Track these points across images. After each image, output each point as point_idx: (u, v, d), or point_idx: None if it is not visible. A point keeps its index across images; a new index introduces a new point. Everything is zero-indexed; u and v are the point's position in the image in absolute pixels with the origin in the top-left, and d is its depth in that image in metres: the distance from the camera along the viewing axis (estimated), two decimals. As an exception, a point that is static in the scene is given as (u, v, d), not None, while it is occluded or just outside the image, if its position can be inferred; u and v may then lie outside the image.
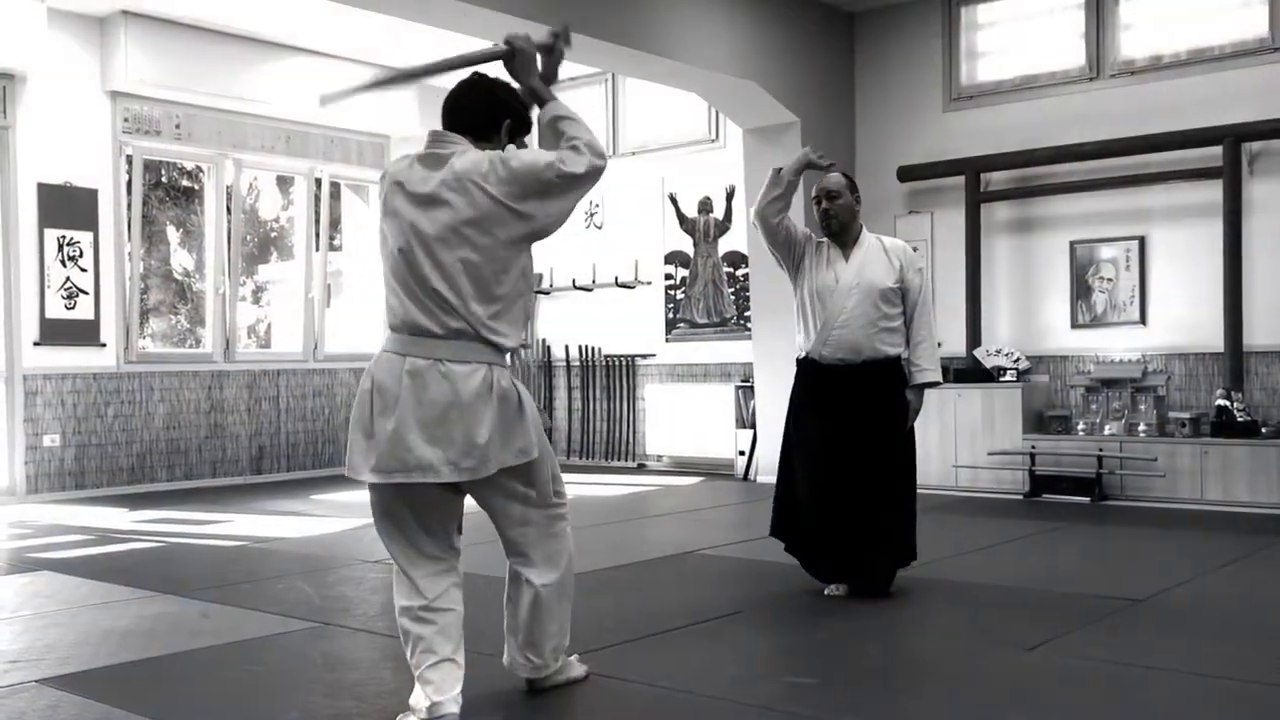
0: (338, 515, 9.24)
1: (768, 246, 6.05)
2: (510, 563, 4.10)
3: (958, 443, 10.30)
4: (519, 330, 3.90)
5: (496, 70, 3.98)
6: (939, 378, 5.82)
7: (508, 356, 3.91)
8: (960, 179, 10.78)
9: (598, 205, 13.11)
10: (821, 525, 5.74)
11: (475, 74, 4.03)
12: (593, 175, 3.85)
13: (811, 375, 5.86)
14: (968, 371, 10.42)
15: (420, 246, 3.79)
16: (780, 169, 6.05)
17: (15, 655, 4.86)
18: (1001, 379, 10.21)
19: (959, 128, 10.99)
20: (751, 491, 10.59)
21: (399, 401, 3.73)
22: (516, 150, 3.86)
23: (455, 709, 3.81)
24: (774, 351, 11.03)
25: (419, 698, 3.83)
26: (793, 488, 5.91)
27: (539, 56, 4.03)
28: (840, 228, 6.05)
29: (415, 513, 3.86)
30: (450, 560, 3.95)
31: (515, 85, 4.02)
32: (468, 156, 3.80)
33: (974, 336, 10.63)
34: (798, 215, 7.72)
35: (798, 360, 5.96)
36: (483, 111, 3.95)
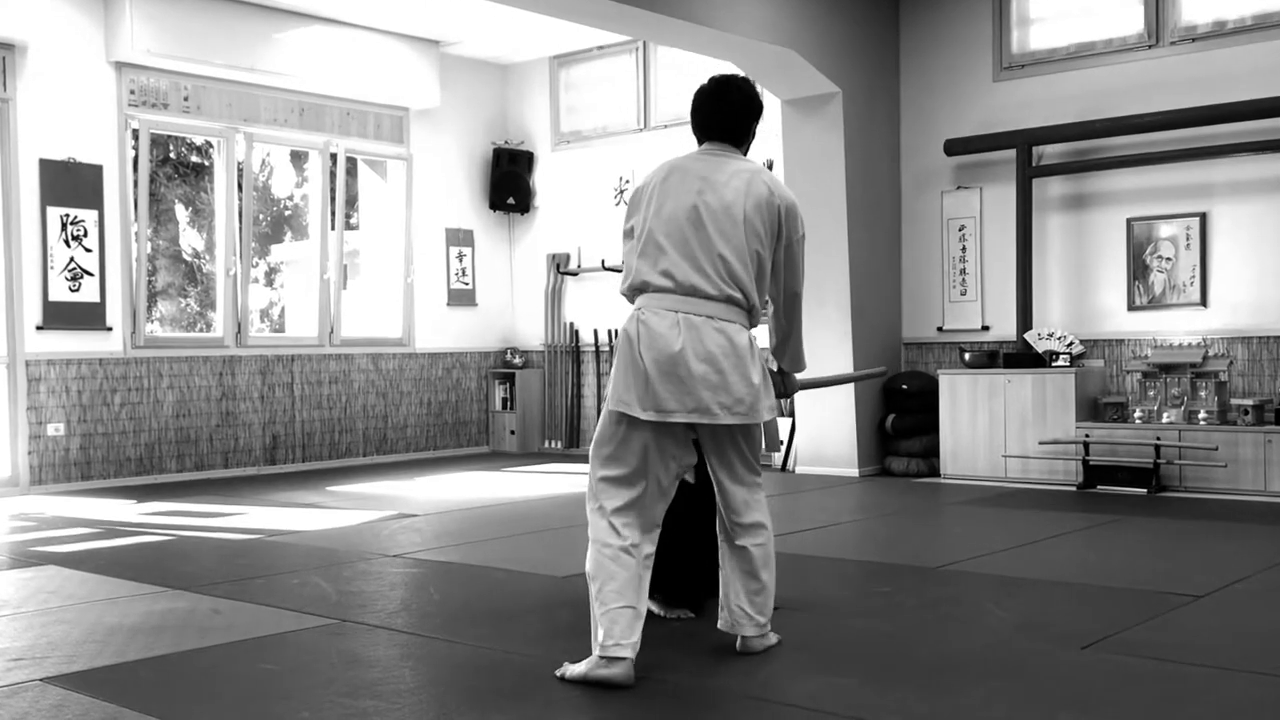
0: (355, 507, 9.27)
1: None
2: (726, 524, 4.62)
3: (1007, 432, 10.28)
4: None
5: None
6: None
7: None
8: (1011, 153, 10.73)
9: (627, 181, 13.10)
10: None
11: (731, 80, 4.68)
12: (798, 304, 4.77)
13: None
14: (1018, 356, 10.39)
15: (709, 217, 4.43)
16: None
17: (18, 653, 4.89)
18: (1054, 364, 10.17)
19: (1009, 98, 10.94)
20: (790, 483, 10.58)
21: (677, 348, 4.32)
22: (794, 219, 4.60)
23: (631, 654, 4.25)
24: (814, 336, 11.00)
25: (599, 638, 4.27)
26: None
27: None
28: None
29: (661, 457, 4.42)
30: (657, 512, 4.47)
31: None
32: (748, 163, 4.59)
33: (1025, 319, 10.59)
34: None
35: None
36: (748, 119, 4.68)
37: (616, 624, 4.26)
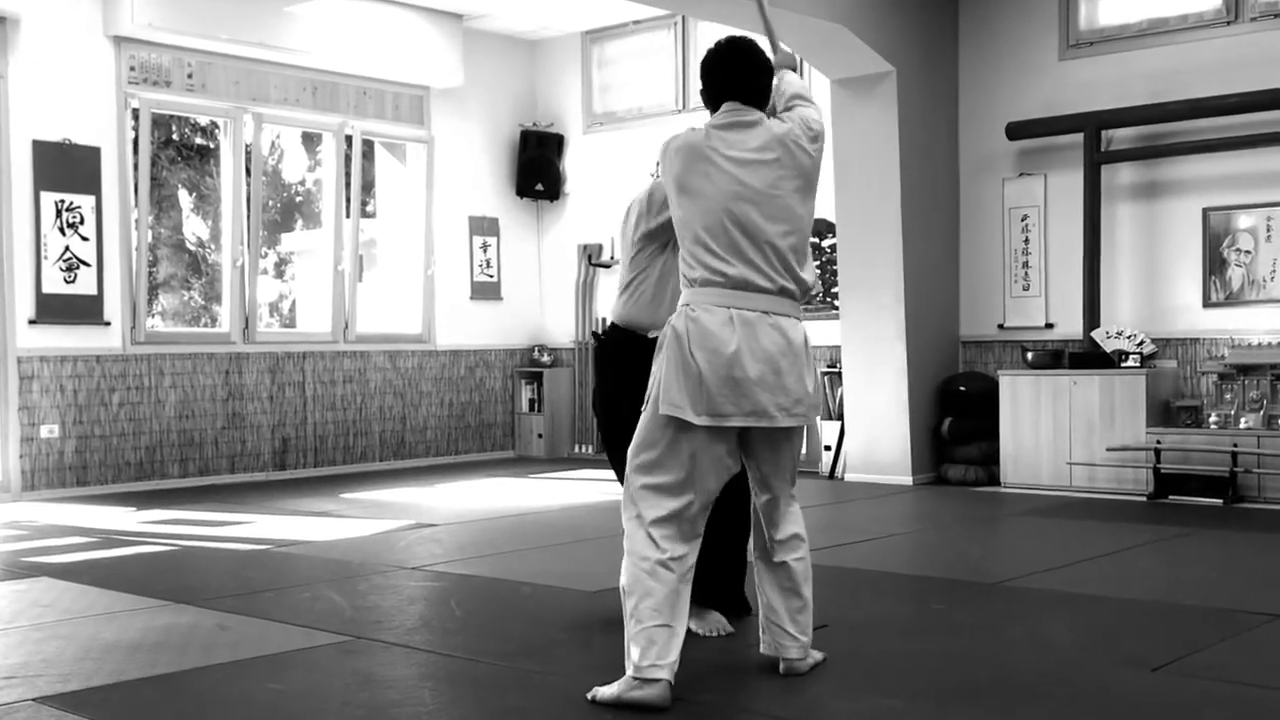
0: (370, 516, 9.30)
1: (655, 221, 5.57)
2: (765, 539, 4.66)
3: (1073, 437, 10.25)
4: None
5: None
6: None
7: None
8: (1078, 137, 10.70)
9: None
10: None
11: (744, 41, 4.74)
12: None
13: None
14: (1084, 356, 10.36)
15: (754, 206, 4.46)
16: None
17: (10, 670, 4.92)
18: (1123, 365, 10.14)
19: (1076, 78, 10.91)
20: (839, 491, 10.58)
21: (732, 349, 4.34)
22: (804, 111, 4.73)
23: (668, 676, 4.27)
24: (866, 333, 11.03)
25: (633, 658, 4.29)
26: None
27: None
28: None
29: (711, 464, 4.42)
30: (700, 523, 4.47)
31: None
32: (773, 122, 4.61)
33: (1092, 316, 10.56)
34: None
35: (635, 337, 5.59)
36: (766, 77, 4.72)
37: (654, 644, 4.27)
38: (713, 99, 4.68)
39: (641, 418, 4.52)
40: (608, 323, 5.77)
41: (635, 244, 5.59)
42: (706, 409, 4.32)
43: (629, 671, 4.29)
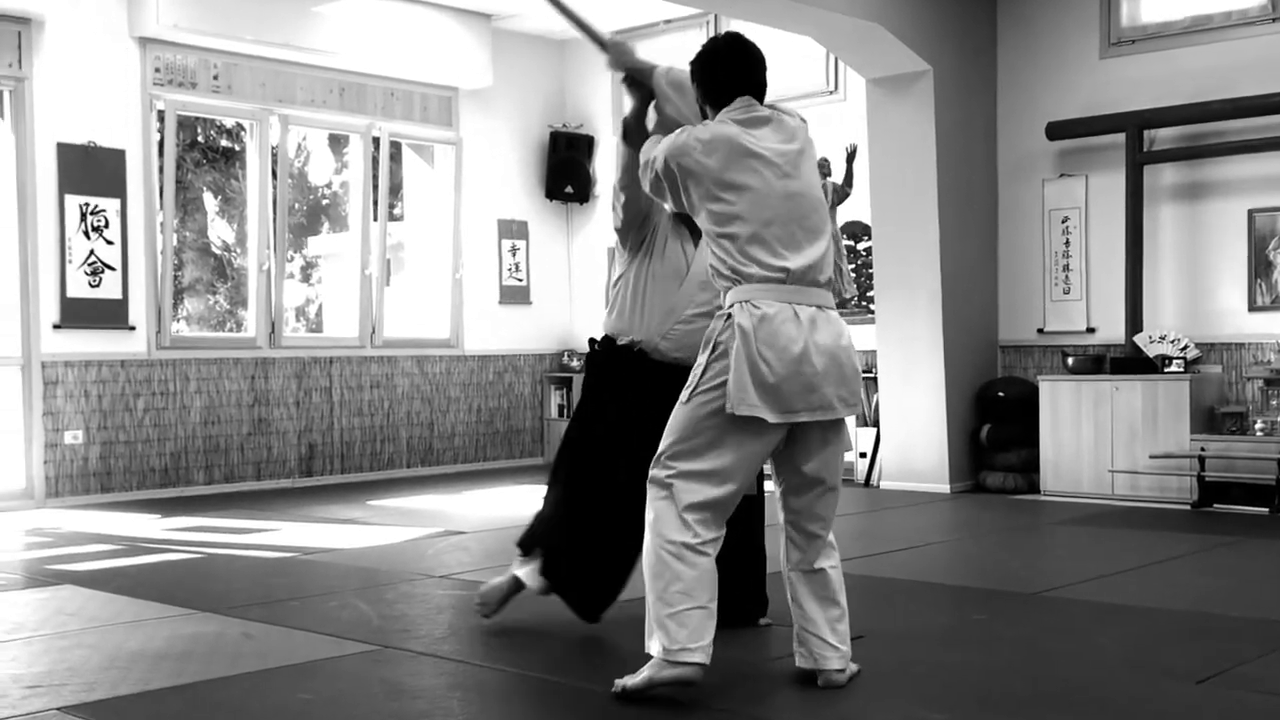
0: (398, 524, 9.32)
1: (626, 207, 5.58)
2: (799, 545, 4.68)
3: (1114, 444, 10.22)
4: None
5: None
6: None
7: None
8: (1119, 137, 10.66)
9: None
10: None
11: (742, 38, 4.82)
12: None
13: (632, 368, 5.56)
14: (1126, 361, 10.33)
15: (804, 199, 4.59)
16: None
17: (34, 679, 4.94)
18: (1166, 370, 10.10)
19: (1118, 77, 10.88)
20: (875, 499, 10.56)
21: (800, 347, 4.42)
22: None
23: (704, 659, 4.36)
24: (902, 337, 11.01)
25: (662, 642, 4.35)
26: (582, 503, 5.59)
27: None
28: None
29: (757, 458, 4.53)
30: (729, 514, 4.57)
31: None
32: (782, 114, 4.70)
33: (1134, 321, 10.53)
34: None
35: (615, 347, 5.63)
36: (766, 72, 4.80)
37: (684, 626, 4.33)
38: (721, 95, 4.72)
39: (684, 406, 4.53)
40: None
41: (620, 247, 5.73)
42: (781, 407, 4.39)
43: (657, 654, 4.36)
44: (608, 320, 5.66)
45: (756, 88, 4.71)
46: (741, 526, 5.29)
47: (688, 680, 4.33)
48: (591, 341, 5.71)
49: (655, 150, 4.68)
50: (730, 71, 4.72)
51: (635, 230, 5.57)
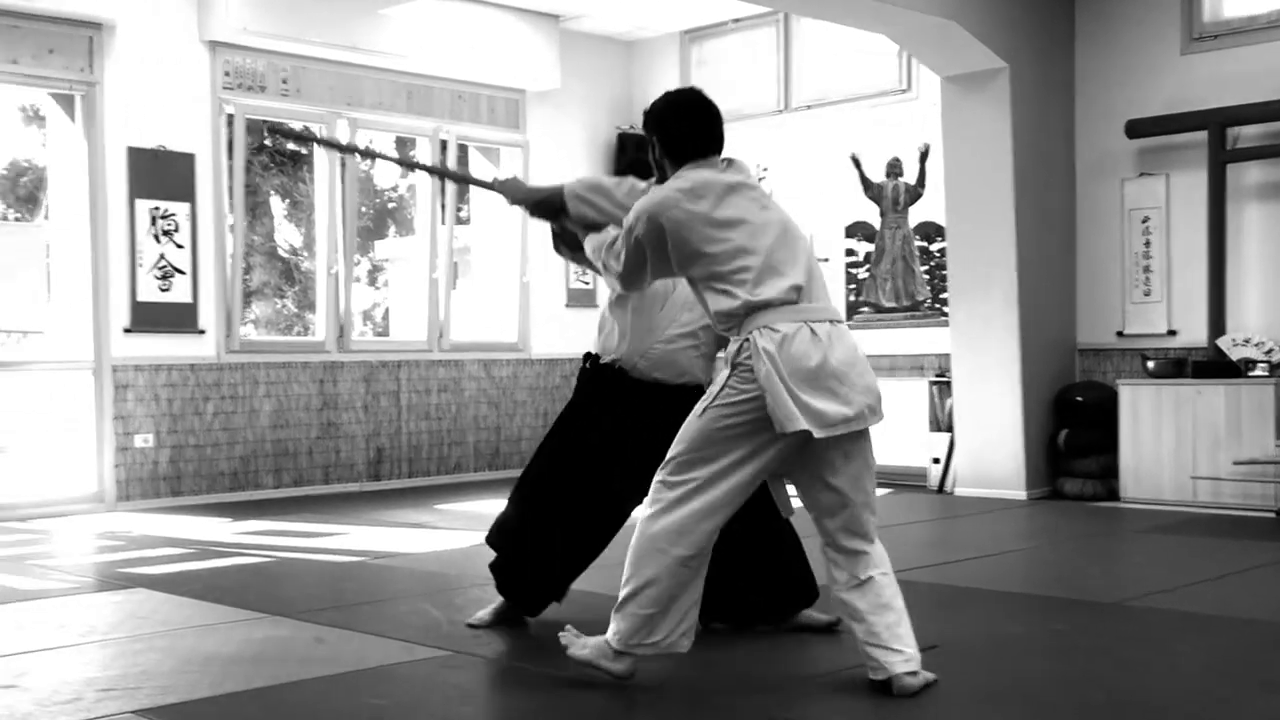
0: (466, 528, 9.33)
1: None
2: (842, 558, 4.73)
3: (1196, 450, 10.14)
4: None
5: None
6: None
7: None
8: (1202, 134, 10.59)
9: (765, 169, 13.11)
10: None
11: (702, 94, 5.10)
12: None
13: (610, 385, 5.71)
14: (1209, 365, 10.25)
15: (788, 227, 4.78)
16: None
17: (109, 683, 5.00)
18: (1250, 374, 10.03)
19: (1201, 73, 10.80)
20: (949, 506, 10.53)
21: (817, 361, 4.51)
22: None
23: (687, 644, 4.69)
24: (976, 341, 10.97)
25: (621, 631, 4.64)
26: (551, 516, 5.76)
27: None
28: None
29: (758, 474, 4.66)
30: (723, 522, 4.68)
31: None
32: (736, 161, 4.93)
33: (1217, 323, 10.46)
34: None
35: (598, 365, 5.78)
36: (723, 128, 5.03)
37: (644, 627, 4.63)
38: (685, 149, 4.92)
39: (698, 419, 4.65)
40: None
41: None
42: (822, 422, 4.47)
43: (613, 643, 4.67)
44: (596, 339, 5.86)
45: (717, 142, 4.94)
46: (767, 523, 5.46)
47: (622, 677, 4.67)
48: (584, 358, 5.83)
49: (630, 217, 4.81)
50: (695, 125, 4.92)
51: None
